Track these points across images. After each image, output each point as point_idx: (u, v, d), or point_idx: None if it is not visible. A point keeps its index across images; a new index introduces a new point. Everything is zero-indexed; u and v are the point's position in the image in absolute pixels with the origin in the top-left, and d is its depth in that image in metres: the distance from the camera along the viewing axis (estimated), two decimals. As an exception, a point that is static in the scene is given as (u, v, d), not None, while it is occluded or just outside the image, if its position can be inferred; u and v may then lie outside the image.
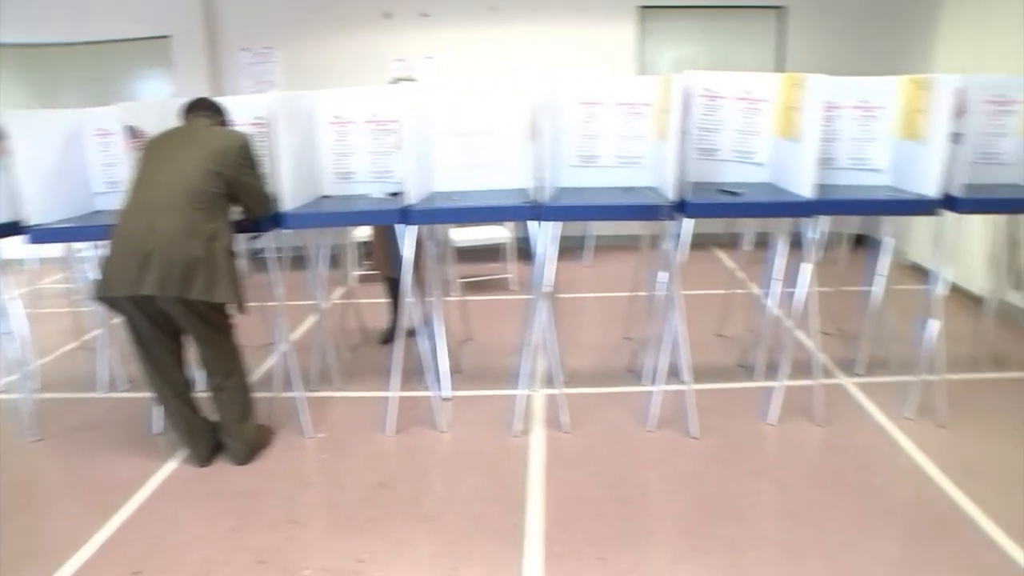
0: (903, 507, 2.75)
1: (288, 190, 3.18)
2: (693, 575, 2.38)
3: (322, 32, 6.74)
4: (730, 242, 6.27)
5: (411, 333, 3.64)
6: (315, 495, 2.96)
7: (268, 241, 3.36)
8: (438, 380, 3.62)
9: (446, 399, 3.65)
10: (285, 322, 3.56)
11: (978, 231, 4.72)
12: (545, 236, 3.28)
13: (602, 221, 5.62)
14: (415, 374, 3.64)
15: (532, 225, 3.40)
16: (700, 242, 6.58)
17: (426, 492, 2.93)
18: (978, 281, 4.86)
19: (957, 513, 2.67)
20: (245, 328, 3.24)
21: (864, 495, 2.82)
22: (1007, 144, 3.60)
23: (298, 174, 3.29)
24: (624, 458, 3.15)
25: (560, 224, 3.30)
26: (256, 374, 3.96)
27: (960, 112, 3.19)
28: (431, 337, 3.64)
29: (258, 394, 3.32)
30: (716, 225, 6.21)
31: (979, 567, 2.38)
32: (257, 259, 3.63)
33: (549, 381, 3.70)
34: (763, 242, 3.92)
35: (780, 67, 6.83)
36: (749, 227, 4.83)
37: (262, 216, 3.13)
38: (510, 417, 3.42)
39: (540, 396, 3.70)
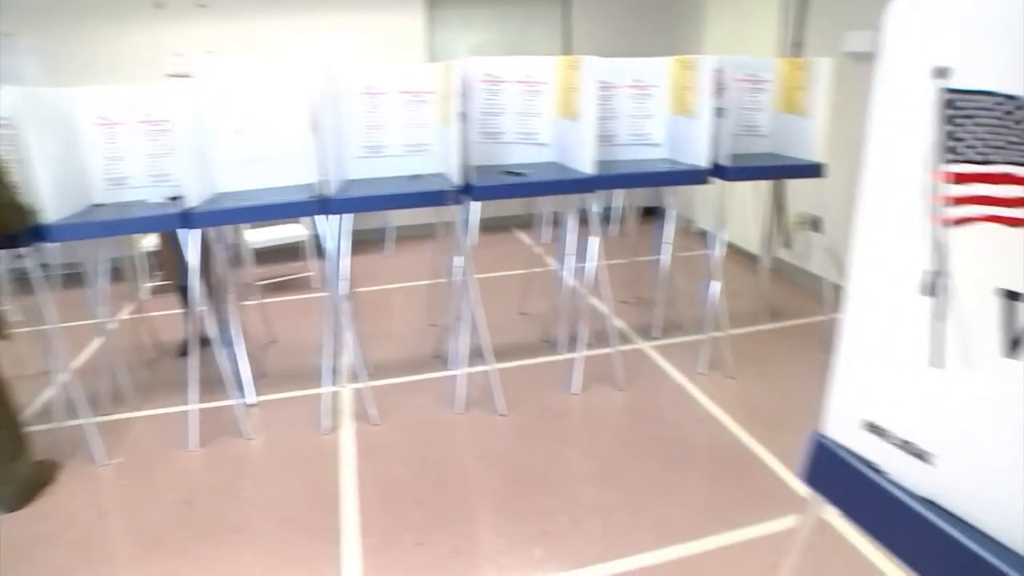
0: (702, 455, 2.99)
1: (49, 200, 2.90)
2: (508, 547, 2.47)
3: (83, 21, 6.09)
4: (530, 223, 6.47)
5: (205, 342, 3.47)
6: (114, 525, 2.74)
7: (33, 258, 3.06)
8: (241, 387, 3.48)
9: (251, 405, 3.51)
10: (62, 346, 3.26)
11: (750, 196, 5.17)
12: (335, 230, 3.23)
13: (391, 210, 5.62)
14: (217, 383, 3.47)
15: (321, 221, 3.33)
16: (501, 224, 6.78)
17: (236, 502, 2.81)
18: (754, 242, 5.33)
19: (748, 454, 2.96)
20: (14, 357, 2.94)
21: (666, 449, 3.03)
22: (762, 118, 3.97)
23: (60, 181, 3.01)
24: (435, 443, 3.18)
25: (351, 217, 3.26)
26: (34, 405, 3.61)
27: (720, 90, 3.48)
28: (229, 344, 3.48)
29: (35, 427, 3.03)
30: (514, 207, 6.38)
31: (769, 500, 2.65)
32: (23, 279, 3.30)
33: (355, 375, 3.66)
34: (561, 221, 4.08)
35: (568, 51, 7.08)
36: (546, 207, 5.00)
37: (17, 230, 2.81)
38: (318, 416, 3.36)
39: (347, 391, 3.65)
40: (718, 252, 3.68)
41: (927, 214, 0.84)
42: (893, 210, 0.88)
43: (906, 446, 0.92)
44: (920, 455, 0.91)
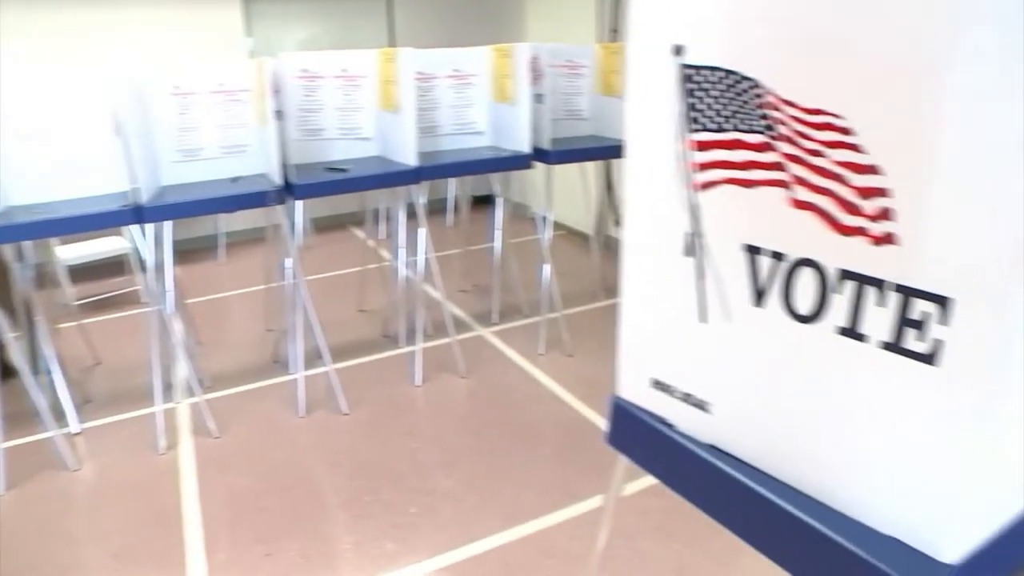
0: (546, 433, 3.08)
1: None
2: (359, 543, 2.46)
3: None
4: (368, 219, 6.41)
5: (10, 372, 3.20)
6: None
7: None
8: (62, 416, 3.24)
9: (75, 434, 3.28)
10: None
11: (578, 179, 5.35)
12: (152, 240, 3.06)
13: (214, 215, 5.42)
14: (32, 416, 3.21)
15: (138, 231, 3.15)
16: (337, 222, 6.67)
17: (62, 541, 2.61)
18: (587, 222, 5.52)
19: (590, 428, 3.07)
20: None
21: (511, 430, 3.10)
22: (583, 102, 4.12)
23: None
24: (279, 449, 3.10)
25: (171, 226, 3.10)
26: None
27: (537, 76, 3.58)
28: (45, 371, 3.24)
29: None
30: (348, 204, 6.29)
31: (612, 469, 2.74)
32: None
33: (191, 389, 3.50)
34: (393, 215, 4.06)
35: (393, 44, 7.04)
36: (379, 201, 4.97)
37: None
38: (154, 436, 3.18)
39: (184, 406, 3.48)
40: (547, 235, 3.80)
41: (681, 180, 0.91)
42: (654, 178, 0.95)
43: (688, 398, 1.00)
44: (700, 405, 0.98)
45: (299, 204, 3.16)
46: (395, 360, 3.84)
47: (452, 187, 6.49)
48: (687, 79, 0.86)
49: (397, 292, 4.10)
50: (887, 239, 0.73)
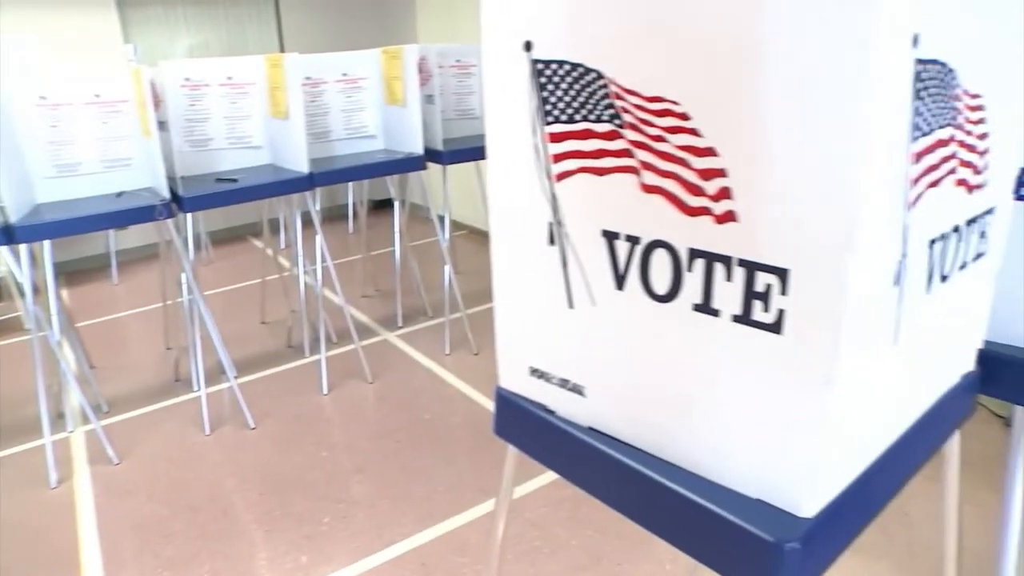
0: (456, 431, 3.10)
1: None
2: (272, 559, 2.41)
3: None
4: (266, 229, 6.28)
5: None
6: None
7: None
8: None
9: (-47, 477, 3.10)
10: None
11: (475, 177, 5.37)
12: (36, 261, 2.92)
13: (96, 232, 5.23)
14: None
15: (21, 253, 2.98)
16: (236, 234, 6.51)
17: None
18: (485, 220, 5.55)
19: (497, 422, 3.09)
20: None
21: (421, 431, 3.10)
22: (475, 101, 4.14)
23: None
24: (184, 470, 3.01)
25: (49, 245, 2.96)
26: None
27: (426, 78, 3.58)
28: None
29: None
30: (247, 215, 6.14)
31: (522, 463, 2.77)
32: None
33: (86, 416, 3.34)
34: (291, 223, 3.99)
35: (283, 49, 6.90)
36: (279, 210, 4.87)
37: None
38: (44, 470, 3.03)
39: (78, 435, 3.33)
40: (446, 235, 3.81)
41: (540, 171, 0.94)
42: (515, 170, 0.98)
43: (565, 384, 1.03)
44: (576, 389, 1.01)
45: (190, 217, 3.06)
46: (301, 370, 3.78)
47: (351, 192, 6.41)
48: (538, 73, 0.89)
49: (299, 301, 4.04)
50: (729, 217, 0.77)
